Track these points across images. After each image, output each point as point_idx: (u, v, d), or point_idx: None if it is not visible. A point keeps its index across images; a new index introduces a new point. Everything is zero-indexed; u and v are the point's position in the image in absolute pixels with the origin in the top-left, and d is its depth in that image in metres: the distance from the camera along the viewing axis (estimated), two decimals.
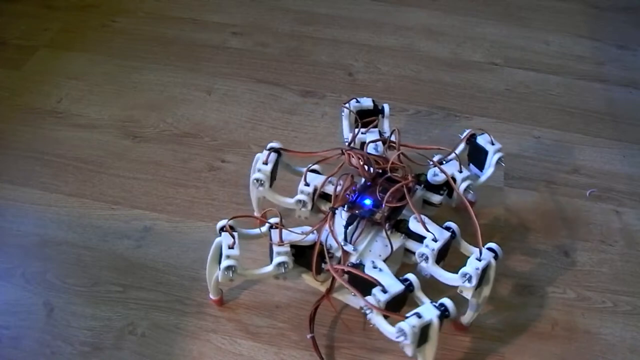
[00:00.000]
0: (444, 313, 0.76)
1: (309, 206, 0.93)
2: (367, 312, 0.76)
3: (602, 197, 1.16)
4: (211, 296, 0.93)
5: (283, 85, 1.36)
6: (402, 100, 1.33)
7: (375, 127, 1.03)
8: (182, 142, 1.21)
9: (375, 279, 0.78)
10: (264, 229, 0.86)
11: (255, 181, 0.93)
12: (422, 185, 0.96)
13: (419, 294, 0.80)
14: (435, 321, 0.75)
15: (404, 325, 0.73)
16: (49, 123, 1.24)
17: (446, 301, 0.77)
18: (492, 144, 0.99)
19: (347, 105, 1.04)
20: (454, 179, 0.95)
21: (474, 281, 0.80)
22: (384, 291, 0.76)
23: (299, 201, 0.92)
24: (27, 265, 0.99)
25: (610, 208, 1.14)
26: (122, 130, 1.23)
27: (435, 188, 0.96)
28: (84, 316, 0.93)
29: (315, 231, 0.85)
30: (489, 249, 0.84)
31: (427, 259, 0.83)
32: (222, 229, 0.85)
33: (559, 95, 1.38)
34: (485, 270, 0.82)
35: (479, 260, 0.81)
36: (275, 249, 0.84)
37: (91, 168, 1.15)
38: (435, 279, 0.84)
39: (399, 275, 0.81)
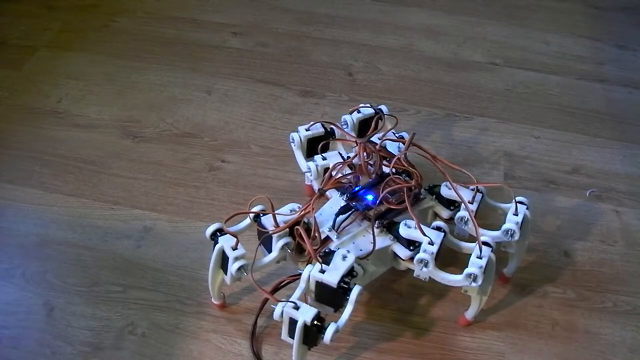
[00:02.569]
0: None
1: (314, 177, 0.96)
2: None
3: (602, 197, 1.16)
4: (214, 301, 0.93)
5: (283, 85, 1.36)
6: (402, 100, 1.33)
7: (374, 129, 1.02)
8: (182, 142, 1.21)
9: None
10: (252, 214, 0.87)
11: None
12: (434, 197, 0.93)
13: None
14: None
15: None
16: (49, 123, 1.24)
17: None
18: (516, 214, 0.89)
19: (347, 116, 1.03)
20: (458, 206, 0.91)
21: (480, 280, 0.80)
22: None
23: (309, 168, 0.96)
24: (27, 265, 0.99)
25: (610, 208, 1.14)
26: (122, 130, 1.23)
27: (446, 203, 0.93)
28: (84, 316, 0.93)
29: (303, 210, 0.86)
30: (484, 243, 0.84)
31: (427, 264, 0.81)
32: (213, 235, 0.85)
33: (559, 95, 1.38)
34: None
35: (480, 258, 0.81)
36: (274, 233, 0.84)
37: (91, 168, 1.15)
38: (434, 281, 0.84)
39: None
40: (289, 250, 0.85)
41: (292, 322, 0.76)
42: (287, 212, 0.86)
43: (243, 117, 1.28)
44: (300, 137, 1.00)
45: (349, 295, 0.77)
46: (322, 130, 1.01)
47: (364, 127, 1.04)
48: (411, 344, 0.92)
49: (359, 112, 1.04)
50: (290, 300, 0.77)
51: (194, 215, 1.08)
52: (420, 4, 1.62)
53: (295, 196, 1.10)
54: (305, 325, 0.75)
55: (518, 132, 1.28)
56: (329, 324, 0.75)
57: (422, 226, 0.83)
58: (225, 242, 0.83)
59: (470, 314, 0.91)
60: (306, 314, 0.75)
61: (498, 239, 0.87)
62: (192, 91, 1.33)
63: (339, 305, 0.80)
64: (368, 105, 1.06)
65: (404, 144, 0.98)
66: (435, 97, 1.35)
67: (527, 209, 0.89)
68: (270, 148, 1.20)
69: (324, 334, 0.75)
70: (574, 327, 0.95)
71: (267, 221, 0.86)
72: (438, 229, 0.85)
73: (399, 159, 0.90)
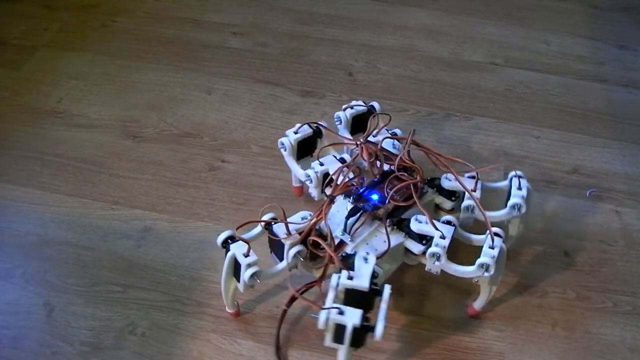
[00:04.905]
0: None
1: (315, 184, 0.95)
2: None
3: (602, 197, 1.16)
4: (228, 310, 0.92)
5: (283, 85, 1.36)
6: (402, 100, 1.33)
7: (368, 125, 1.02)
8: (182, 142, 1.21)
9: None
10: (264, 221, 0.86)
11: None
12: (435, 189, 0.94)
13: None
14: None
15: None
16: (49, 123, 1.24)
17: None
18: (520, 189, 0.93)
19: (340, 113, 1.03)
20: (462, 196, 0.92)
21: (492, 270, 0.81)
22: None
23: (308, 176, 0.95)
24: (27, 265, 0.99)
25: (610, 208, 1.14)
26: (122, 130, 1.23)
27: (447, 194, 0.94)
28: (84, 316, 0.93)
29: (315, 217, 0.85)
30: (495, 234, 0.84)
31: (439, 257, 0.82)
32: (225, 243, 0.84)
33: (559, 95, 1.38)
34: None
35: (492, 248, 0.82)
36: (286, 241, 0.84)
37: (91, 168, 1.15)
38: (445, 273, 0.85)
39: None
40: (301, 259, 0.85)
41: (339, 328, 0.75)
42: (298, 220, 0.85)
43: (243, 117, 1.28)
44: (290, 141, 0.98)
45: (379, 296, 0.77)
46: (310, 130, 1.00)
47: (357, 124, 1.04)
48: (411, 344, 0.92)
49: (352, 108, 1.04)
50: (334, 306, 0.75)
51: (194, 215, 1.08)
52: (420, 4, 1.62)
53: (295, 196, 1.10)
54: (355, 328, 0.74)
55: (518, 132, 1.28)
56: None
57: (433, 220, 0.84)
58: (237, 250, 0.82)
59: (479, 304, 0.92)
60: (353, 317, 0.74)
61: (506, 216, 0.89)
62: (192, 91, 1.33)
63: (369, 308, 0.79)
64: (360, 102, 1.06)
65: (399, 141, 0.98)
66: (435, 97, 1.35)
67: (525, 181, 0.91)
68: (270, 148, 1.20)
69: (372, 332, 0.74)
70: (574, 327, 0.95)
71: (279, 229, 0.85)
72: (448, 223, 0.86)
73: (401, 156, 0.91)
